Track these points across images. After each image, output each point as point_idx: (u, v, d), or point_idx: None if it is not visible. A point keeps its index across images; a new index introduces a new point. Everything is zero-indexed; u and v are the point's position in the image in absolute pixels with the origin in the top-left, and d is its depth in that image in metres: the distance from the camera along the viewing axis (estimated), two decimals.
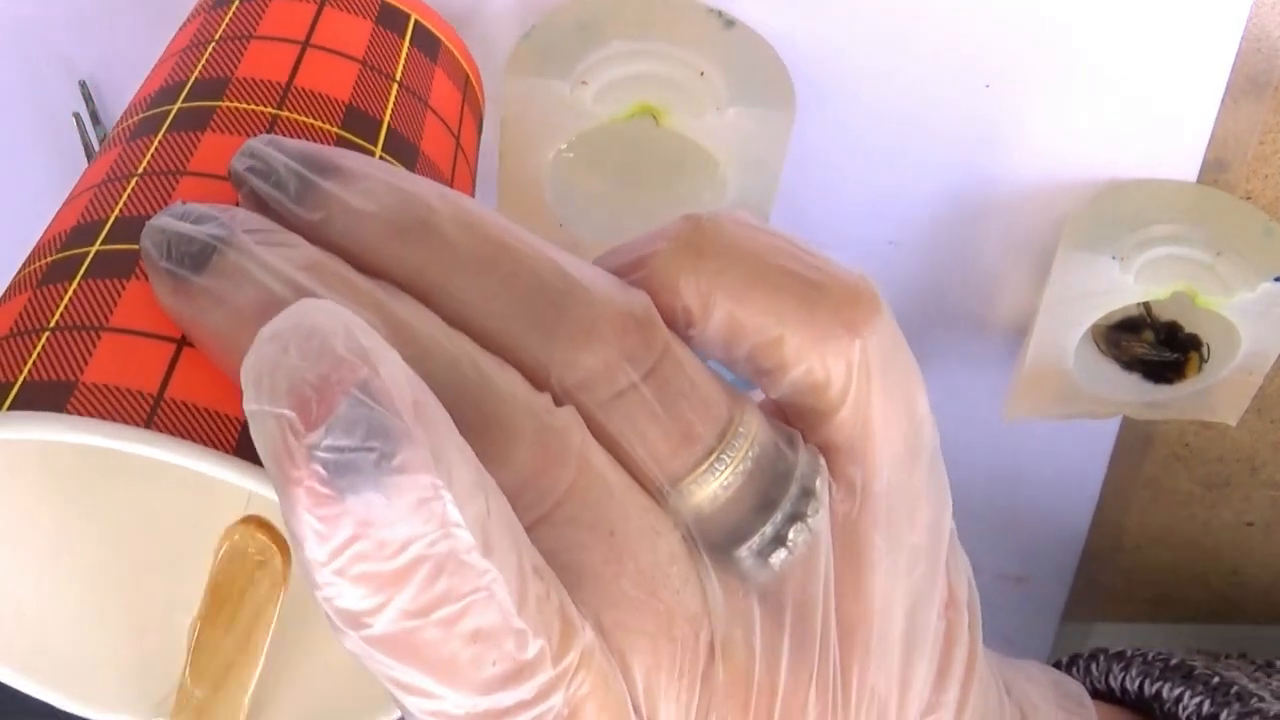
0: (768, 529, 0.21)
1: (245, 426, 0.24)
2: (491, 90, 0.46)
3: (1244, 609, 0.72)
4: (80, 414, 0.24)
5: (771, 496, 0.21)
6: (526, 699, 0.18)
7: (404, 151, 0.31)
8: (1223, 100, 0.45)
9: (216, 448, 0.24)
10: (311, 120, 0.30)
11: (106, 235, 0.27)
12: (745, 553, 0.21)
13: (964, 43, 0.45)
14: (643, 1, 0.40)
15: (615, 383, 0.20)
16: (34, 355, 0.25)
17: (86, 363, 0.24)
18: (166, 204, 0.27)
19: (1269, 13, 0.43)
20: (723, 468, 0.21)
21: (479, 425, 0.19)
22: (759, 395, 0.23)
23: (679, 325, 0.22)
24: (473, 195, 0.43)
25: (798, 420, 0.23)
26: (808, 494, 0.22)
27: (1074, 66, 0.45)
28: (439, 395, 0.18)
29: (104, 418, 0.23)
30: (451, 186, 0.32)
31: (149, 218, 0.25)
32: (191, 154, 0.29)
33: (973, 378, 0.56)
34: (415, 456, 0.17)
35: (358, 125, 0.31)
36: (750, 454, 0.21)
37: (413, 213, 0.21)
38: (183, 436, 0.23)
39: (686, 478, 0.21)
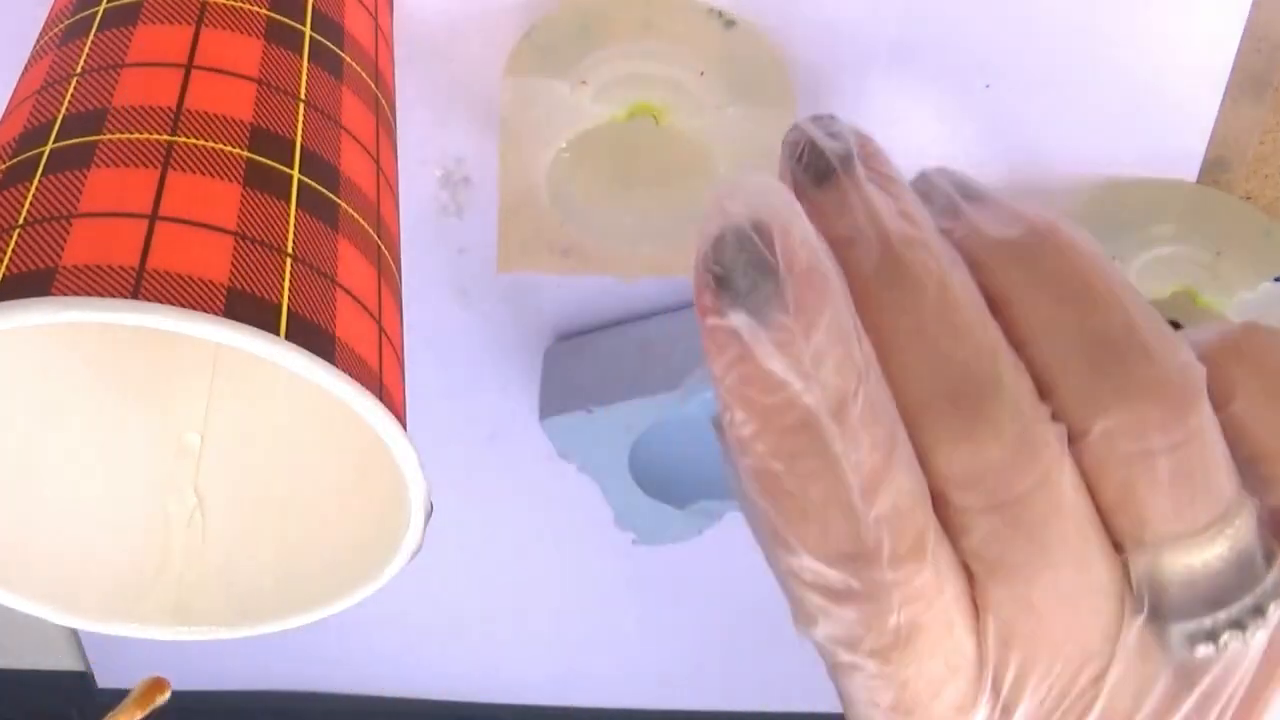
0: (1208, 622, 0.22)
1: (231, 291, 0.25)
2: (491, 90, 0.46)
3: None
4: (66, 295, 0.24)
5: (1227, 597, 0.22)
6: (857, 589, 0.20)
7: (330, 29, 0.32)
8: (1223, 100, 0.45)
9: (206, 311, 0.24)
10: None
11: (58, 133, 0.27)
12: (1178, 630, 0.22)
13: (964, 43, 0.45)
14: (643, 1, 0.40)
15: (1137, 442, 0.21)
16: (8, 251, 0.25)
17: (63, 249, 0.25)
18: (110, 96, 0.28)
19: (1269, 13, 0.43)
20: (1200, 550, 0.21)
21: (964, 402, 0.21)
22: None
23: None
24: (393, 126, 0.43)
25: None
26: (1259, 611, 0.22)
27: (1074, 66, 0.45)
28: (950, 364, 0.20)
29: (90, 295, 0.24)
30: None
31: (98, 111, 0.26)
32: (128, 47, 0.29)
33: None
34: (779, 298, 0.19)
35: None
36: (1230, 551, 0.22)
37: (1023, 238, 0.23)
38: (170, 303, 0.24)
39: (1162, 541, 0.21)
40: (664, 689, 0.73)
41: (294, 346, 0.27)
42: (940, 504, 0.21)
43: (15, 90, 0.32)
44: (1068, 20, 0.44)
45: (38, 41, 0.34)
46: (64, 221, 0.26)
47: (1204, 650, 0.22)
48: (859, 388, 0.20)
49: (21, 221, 0.26)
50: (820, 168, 0.24)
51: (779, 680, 0.71)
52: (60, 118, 0.28)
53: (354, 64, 0.35)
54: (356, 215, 0.32)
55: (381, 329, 0.31)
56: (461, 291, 0.54)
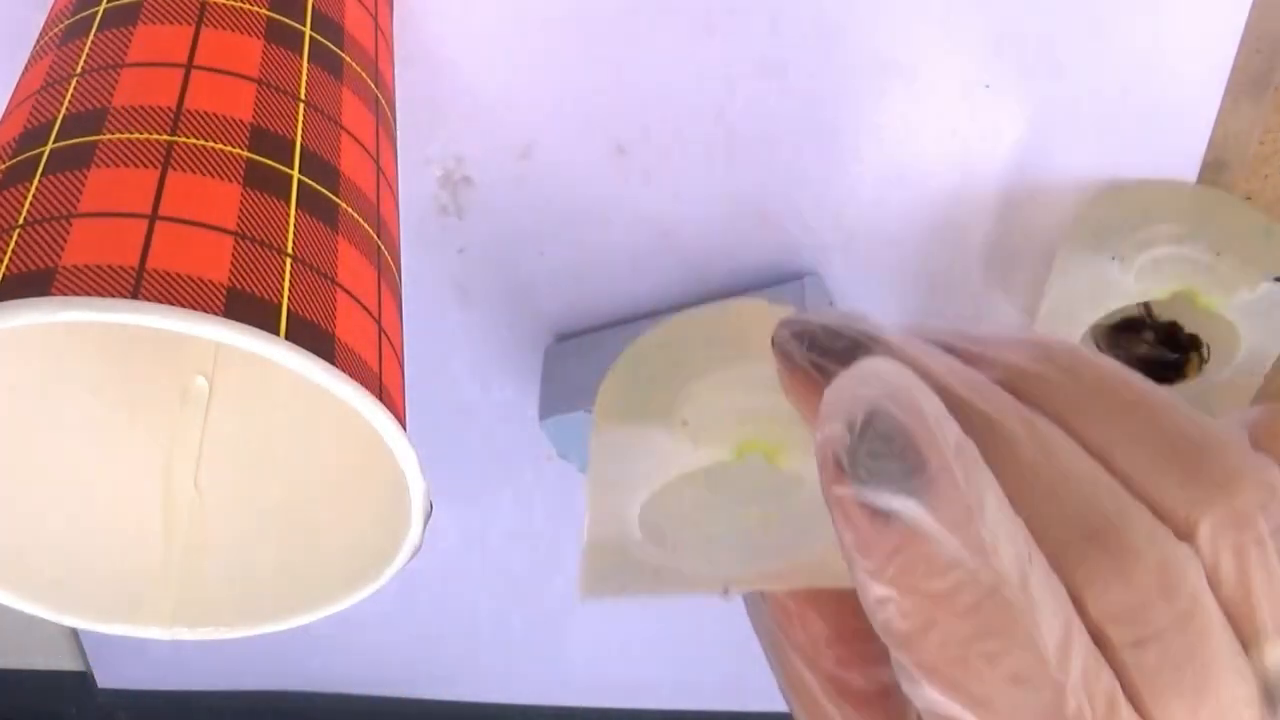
0: None
1: (231, 291, 0.25)
2: (492, 90, 0.46)
3: None
4: (65, 294, 0.24)
5: None
6: None
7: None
8: (1223, 100, 0.45)
9: (206, 311, 0.24)
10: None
11: (58, 133, 0.27)
12: None
13: (964, 43, 0.45)
14: (736, 321, 0.38)
15: (1245, 531, 0.21)
16: (8, 251, 0.25)
17: (63, 249, 0.25)
18: (110, 96, 0.28)
19: (1269, 13, 0.43)
20: None
21: (1103, 539, 0.20)
22: None
23: None
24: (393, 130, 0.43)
25: None
26: None
27: (1074, 66, 0.45)
28: (1070, 504, 0.20)
29: (90, 295, 0.24)
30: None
31: (98, 111, 0.25)
32: (128, 47, 0.29)
33: None
34: (945, 476, 0.18)
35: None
36: None
37: (1057, 359, 0.22)
38: (170, 303, 0.24)
39: None
40: (666, 689, 0.73)
41: (294, 346, 0.27)
42: (1100, 647, 0.20)
43: (15, 90, 0.32)
44: (1067, 20, 0.44)
45: (38, 41, 0.34)
46: (64, 221, 0.26)
47: None
48: (1031, 553, 0.19)
49: (21, 221, 0.26)
50: (844, 347, 0.23)
51: None
52: (60, 118, 0.28)
53: (354, 64, 0.35)
54: (356, 215, 0.32)
55: (381, 329, 0.31)
56: (461, 291, 0.54)
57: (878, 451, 0.19)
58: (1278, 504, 0.21)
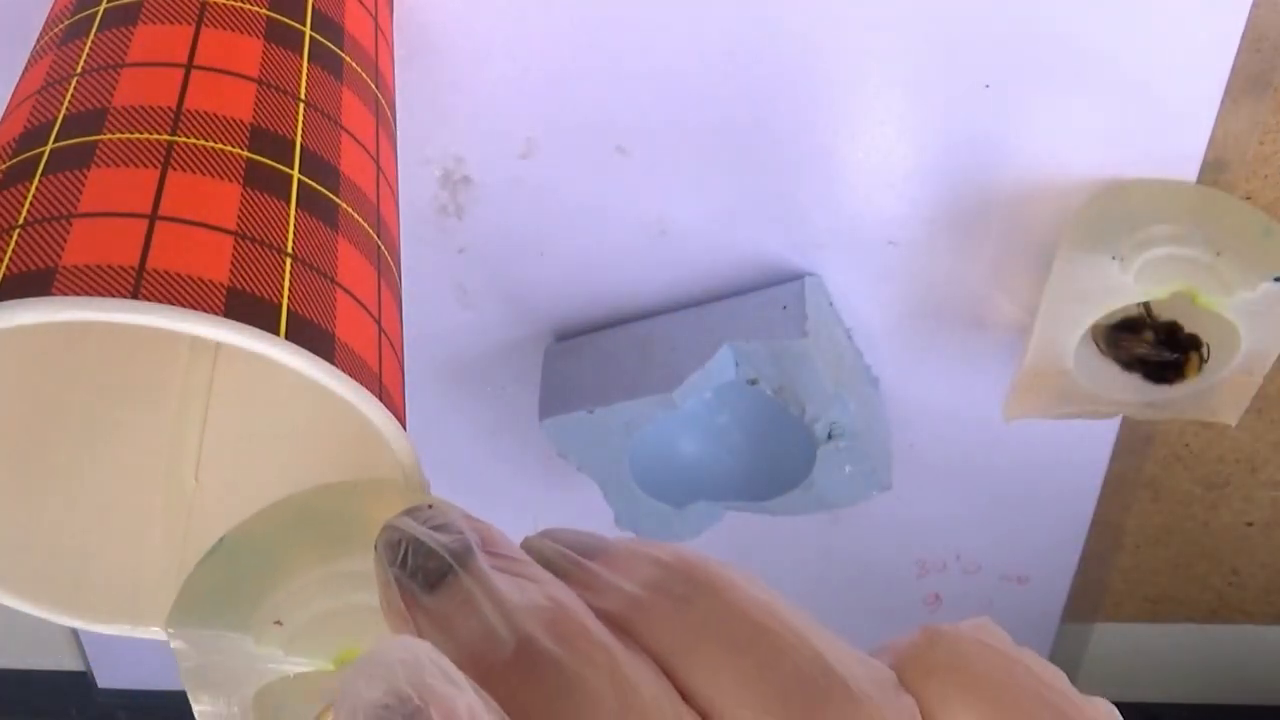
0: None
1: (231, 290, 0.25)
2: (491, 90, 0.46)
3: (1244, 609, 0.72)
4: (66, 294, 0.24)
5: None
6: None
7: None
8: (1222, 100, 0.45)
9: (206, 311, 0.24)
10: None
11: (58, 133, 0.27)
12: None
13: (964, 43, 0.45)
14: (353, 505, 0.32)
15: None
16: (9, 251, 0.25)
17: (63, 248, 0.25)
18: (110, 96, 0.28)
19: (1269, 13, 0.43)
20: None
21: None
22: None
23: None
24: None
25: None
26: None
27: (1074, 66, 0.45)
28: None
29: (90, 294, 0.24)
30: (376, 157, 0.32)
31: (98, 111, 0.26)
32: (128, 47, 0.29)
33: (973, 378, 0.56)
34: None
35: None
36: None
37: (668, 582, 0.20)
38: (170, 303, 0.24)
39: None
40: None
41: (294, 346, 0.27)
42: None
43: (15, 90, 0.32)
44: (1067, 21, 0.44)
45: (38, 42, 0.34)
46: (64, 221, 0.26)
47: None
48: None
49: (21, 221, 0.26)
50: (432, 569, 0.20)
51: None
52: (60, 118, 0.28)
53: (354, 64, 0.35)
54: (356, 215, 0.32)
55: (381, 329, 0.31)
56: (461, 291, 0.54)
57: None
58: None
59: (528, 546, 0.22)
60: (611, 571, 0.21)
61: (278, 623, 0.29)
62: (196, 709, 0.30)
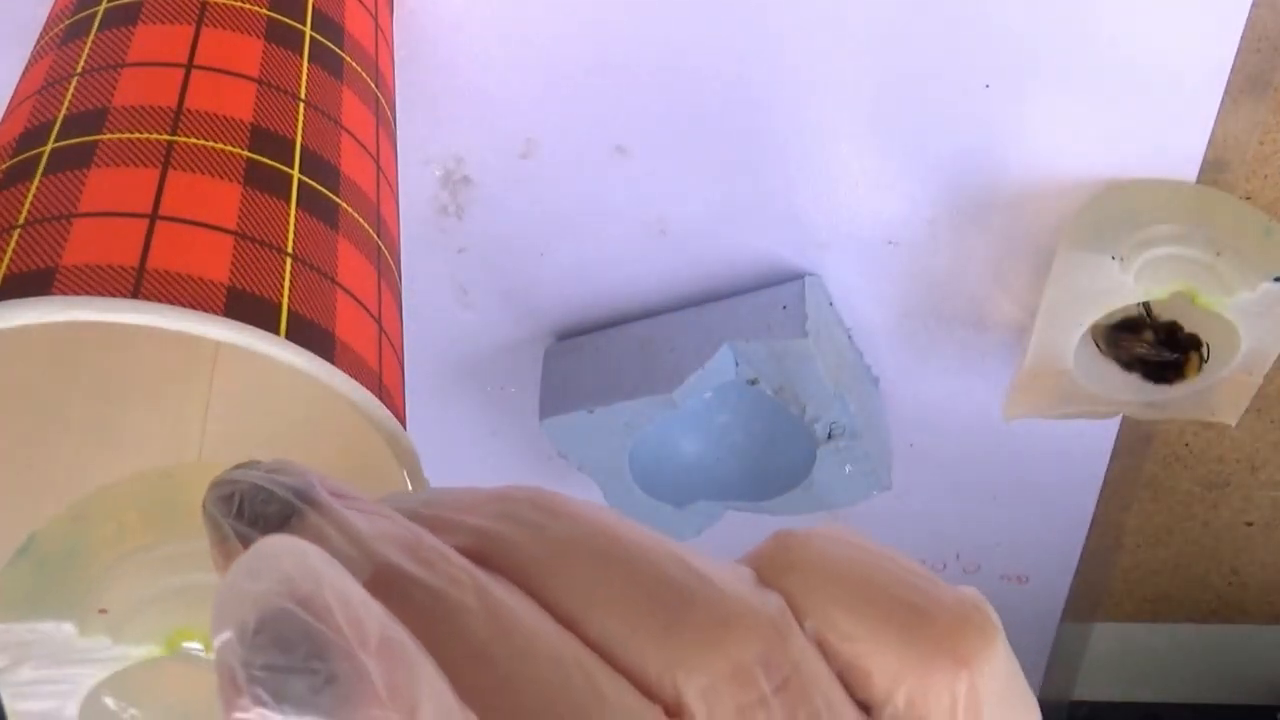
0: None
1: (231, 290, 0.25)
2: (491, 90, 0.46)
3: (1244, 609, 0.72)
4: (66, 294, 0.24)
5: None
6: None
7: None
8: (1223, 100, 0.45)
9: (206, 310, 0.24)
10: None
11: (58, 133, 0.28)
12: None
13: (964, 43, 0.45)
14: (173, 488, 0.33)
15: (744, 692, 0.18)
16: (9, 252, 0.25)
17: (63, 248, 0.25)
18: (110, 96, 0.28)
19: (1269, 13, 0.43)
20: None
21: None
22: None
23: None
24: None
25: None
26: None
27: (1074, 67, 0.45)
28: (532, 690, 0.17)
29: (90, 294, 0.24)
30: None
31: (98, 111, 0.26)
32: (128, 47, 0.29)
33: (973, 378, 0.56)
34: (362, 685, 0.15)
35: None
36: None
37: (519, 514, 0.20)
38: (170, 303, 0.24)
39: None
40: None
41: (294, 345, 0.27)
42: None
43: (15, 90, 0.32)
44: (1067, 20, 0.44)
45: (38, 42, 0.34)
46: (64, 221, 0.26)
47: None
48: None
49: (22, 221, 0.26)
50: (273, 513, 0.20)
51: None
52: (60, 118, 0.28)
53: (354, 64, 0.35)
54: (356, 215, 0.32)
55: (381, 329, 0.31)
56: (461, 291, 0.54)
57: (275, 664, 0.15)
58: (782, 652, 0.18)
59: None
60: (455, 512, 0.20)
61: (102, 610, 0.28)
62: (20, 710, 0.28)
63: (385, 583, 0.18)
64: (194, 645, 0.27)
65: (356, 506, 0.20)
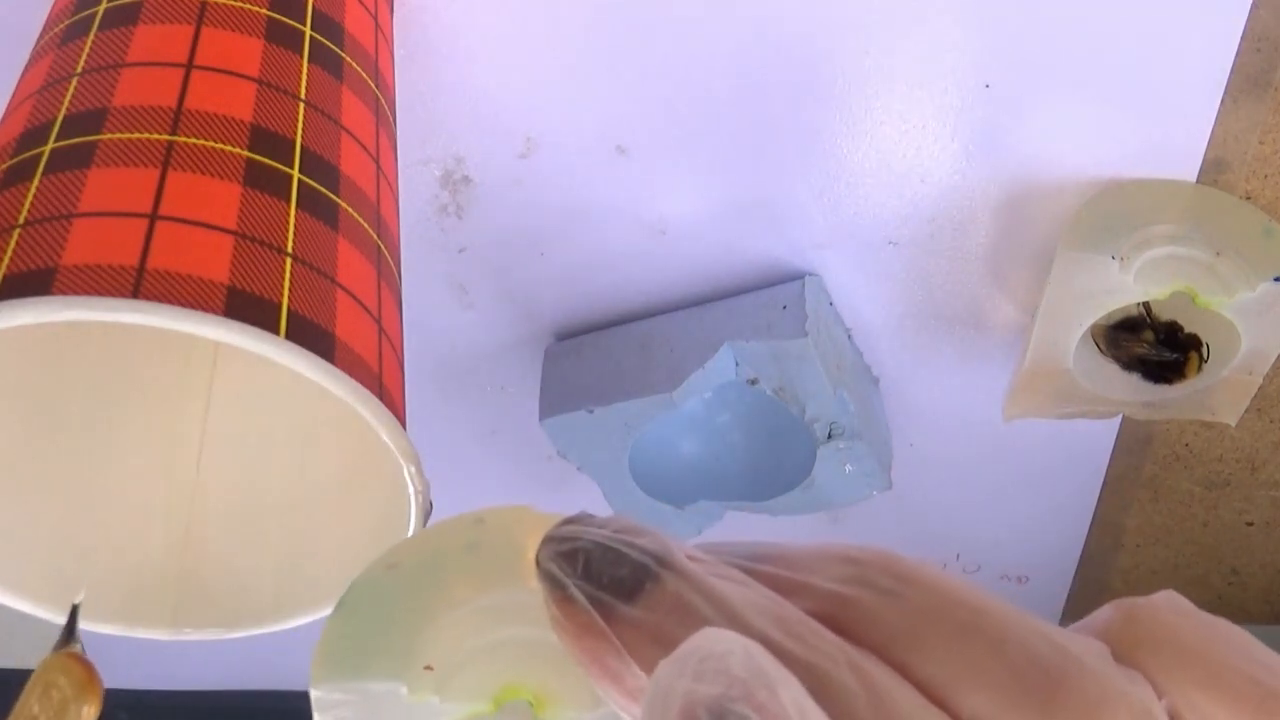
0: None
1: (231, 290, 0.25)
2: (492, 90, 0.46)
3: (1244, 609, 0.72)
4: (66, 294, 0.24)
5: None
6: None
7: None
8: (1223, 100, 0.45)
9: (206, 311, 0.24)
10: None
11: (58, 133, 0.28)
12: None
13: (964, 43, 0.45)
14: (491, 533, 0.33)
15: None
16: (9, 251, 0.25)
17: (63, 248, 0.25)
18: (110, 96, 0.28)
19: (1269, 13, 0.43)
20: None
21: None
22: None
23: None
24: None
25: None
26: None
27: (1073, 66, 0.45)
28: None
29: (90, 294, 0.24)
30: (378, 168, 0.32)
31: (98, 111, 0.26)
32: (128, 47, 0.29)
33: (973, 378, 0.56)
34: None
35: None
36: None
37: (874, 579, 0.19)
38: (170, 303, 0.24)
39: None
40: None
41: (294, 345, 0.27)
42: None
43: (15, 90, 0.32)
44: (1068, 21, 0.44)
45: (38, 41, 0.34)
46: (64, 221, 0.26)
47: None
48: None
49: (22, 221, 0.26)
50: (626, 576, 0.19)
51: None
52: (60, 118, 0.28)
53: (354, 64, 0.35)
54: (356, 215, 0.32)
55: (381, 329, 0.31)
56: (461, 291, 0.54)
57: None
58: None
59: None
60: (799, 573, 0.20)
61: (428, 667, 0.27)
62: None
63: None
64: (520, 703, 0.27)
65: (712, 571, 0.19)
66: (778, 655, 0.17)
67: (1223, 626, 0.20)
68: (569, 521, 0.20)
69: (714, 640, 0.16)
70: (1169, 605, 0.20)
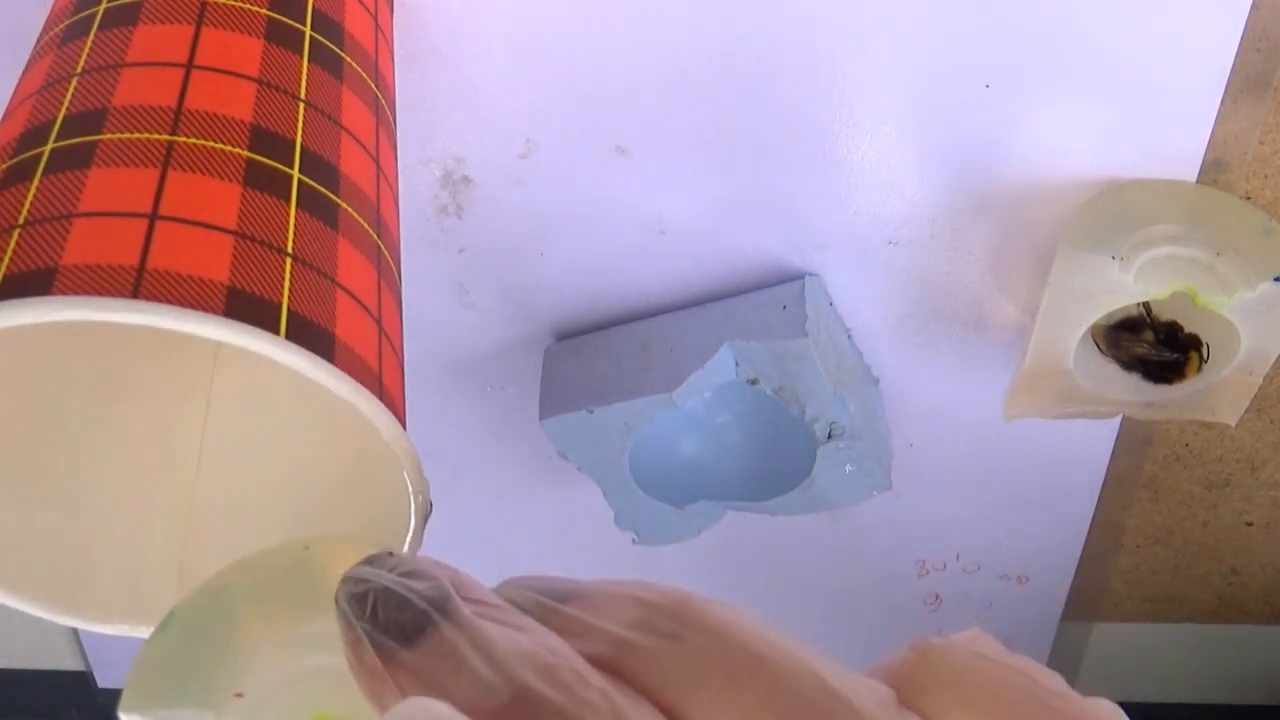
0: None
1: (231, 290, 0.25)
2: (493, 91, 0.46)
3: (1244, 609, 0.72)
4: (66, 294, 0.24)
5: None
6: None
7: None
8: (1223, 100, 0.45)
9: (206, 310, 0.24)
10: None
11: (58, 133, 0.28)
12: None
13: (964, 43, 0.45)
14: (310, 565, 0.31)
15: None
16: (9, 251, 0.25)
17: (63, 248, 0.25)
18: (110, 96, 0.28)
19: (1269, 13, 0.43)
20: None
21: None
22: None
23: None
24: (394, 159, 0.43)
25: None
26: None
27: (1073, 66, 0.45)
28: None
29: (90, 294, 0.24)
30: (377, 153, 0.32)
31: (98, 111, 0.26)
32: (128, 47, 0.29)
33: (973, 378, 0.56)
34: None
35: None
36: None
37: (660, 623, 0.20)
38: (170, 303, 0.24)
39: None
40: None
41: (294, 345, 0.27)
42: None
43: (15, 90, 0.32)
44: (1067, 21, 0.44)
45: (38, 41, 0.34)
46: (64, 221, 0.26)
47: None
48: None
49: (22, 221, 0.26)
50: (408, 621, 0.19)
51: None
52: (60, 118, 0.28)
53: (354, 64, 0.35)
54: (356, 215, 0.32)
55: (381, 329, 0.31)
56: (462, 291, 0.54)
57: None
58: None
59: (499, 594, 0.22)
60: (591, 614, 0.20)
61: (238, 694, 0.27)
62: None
63: (522, 709, 0.18)
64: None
65: (489, 614, 0.19)
66: (536, 706, 0.18)
67: (1022, 670, 0.20)
68: (368, 561, 0.21)
69: (414, 710, 0.17)
70: (968, 646, 0.20)
